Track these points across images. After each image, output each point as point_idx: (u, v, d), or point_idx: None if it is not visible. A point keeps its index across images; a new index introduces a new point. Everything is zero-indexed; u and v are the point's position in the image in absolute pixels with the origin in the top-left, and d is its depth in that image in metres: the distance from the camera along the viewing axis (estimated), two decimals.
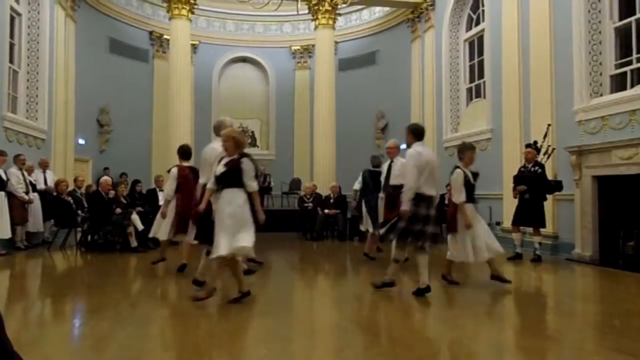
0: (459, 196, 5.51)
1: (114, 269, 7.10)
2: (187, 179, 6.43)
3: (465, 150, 5.69)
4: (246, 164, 4.56)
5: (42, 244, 9.43)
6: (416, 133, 5.30)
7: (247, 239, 4.44)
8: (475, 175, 5.85)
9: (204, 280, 5.12)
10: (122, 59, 14.49)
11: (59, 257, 8.31)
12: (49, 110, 11.11)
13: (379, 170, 7.72)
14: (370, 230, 7.82)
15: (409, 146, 5.27)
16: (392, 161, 7.15)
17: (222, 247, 4.41)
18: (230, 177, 4.55)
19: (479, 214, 5.84)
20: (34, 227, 9.30)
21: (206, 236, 4.85)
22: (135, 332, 3.83)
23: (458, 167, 5.69)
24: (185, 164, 6.72)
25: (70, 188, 9.76)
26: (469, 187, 5.60)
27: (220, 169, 4.62)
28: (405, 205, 5.00)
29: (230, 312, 4.60)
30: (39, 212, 9.35)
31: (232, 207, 4.48)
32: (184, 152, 6.79)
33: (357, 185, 8.47)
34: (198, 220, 5.16)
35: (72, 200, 9.28)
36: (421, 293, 5.05)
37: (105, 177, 9.43)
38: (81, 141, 12.97)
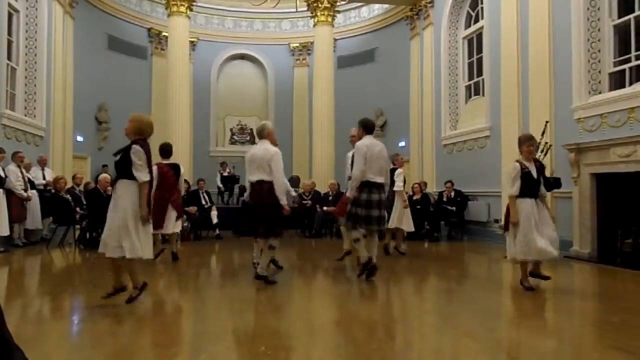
0: (509, 189, 5.29)
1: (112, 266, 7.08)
2: (166, 176, 6.93)
3: (521, 144, 5.40)
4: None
5: (40, 242, 9.42)
6: (366, 127, 6.06)
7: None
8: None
9: (265, 275, 5.61)
10: (121, 56, 14.47)
11: (57, 255, 8.30)
12: (47, 108, 11.10)
13: (396, 167, 8.01)
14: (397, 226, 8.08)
15: (359, 138, 5.94)
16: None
17: None
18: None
19: (538, 208, 5.35)
20: (32, 225, 9.30)
21: (269, 230, 5.50)
22: (135, 328, 3.84)
23: (517, 160, 5.40)
24: (165, 161, 7.20)
25: (69, 185, 9.76)
26: (529, 181, 5.26)
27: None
28: (350, 192, 5.74)
29: (229, 309, 4.61)
30: (37, 210, 9.35)
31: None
32: (164, 151, 7.30)
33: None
34: (259, 216, 5.52)
35: (70, 198, 9.27)
36: (365, 269, 5.67)
37: (103, 175, 9.42)
38: (79, 138, 12.95)
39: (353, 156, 7.14)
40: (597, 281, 6.58)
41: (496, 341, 3.71)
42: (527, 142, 5.36)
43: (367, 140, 5.87)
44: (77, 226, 9.26)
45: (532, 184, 5.26)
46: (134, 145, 4.34)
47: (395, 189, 7.90)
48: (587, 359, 3.28)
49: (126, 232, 4.25)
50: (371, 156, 5.75)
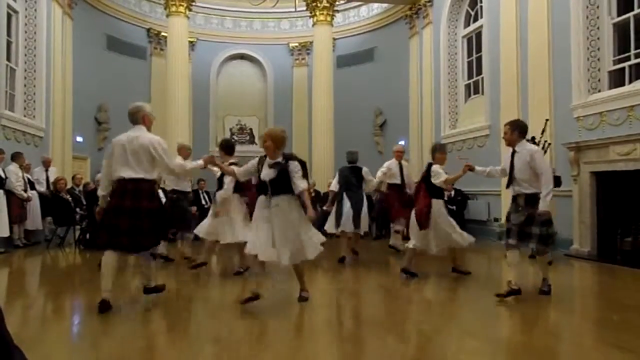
0: None
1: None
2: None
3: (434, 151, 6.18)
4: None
5: (41, 243, 9.42)
6: (227, 149, 6.30)
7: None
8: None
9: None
10: (120, 57, 14.46)
11: (57, 255, 8.31)
12: (47, 108, 11.09)
13: (359, 166, 7.65)
14: (350, 230, 7.55)
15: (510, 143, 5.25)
16: (401, 163, 7.97)
17: None
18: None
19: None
20: (32, 225, 9.30)
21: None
22: (135, 329, 3.84)
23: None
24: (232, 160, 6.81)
25: (69, 186, 9.76)
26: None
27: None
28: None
29: (229, 309, 4.60)
30: (37, 210, 9.34)
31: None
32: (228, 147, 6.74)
33: (335, 186, 7.83)
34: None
35: (70, 198, 9.28)
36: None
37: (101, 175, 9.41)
38: (79, 139, 12.95)
39: (401, 168, 7.95)
40: (597, 279, 6.59)
41: (497, 340, 3.71)
42: (440, 150, 6.12)
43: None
44: (77, 227, 9.26)
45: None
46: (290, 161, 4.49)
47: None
48: (587, 357, 3.28)
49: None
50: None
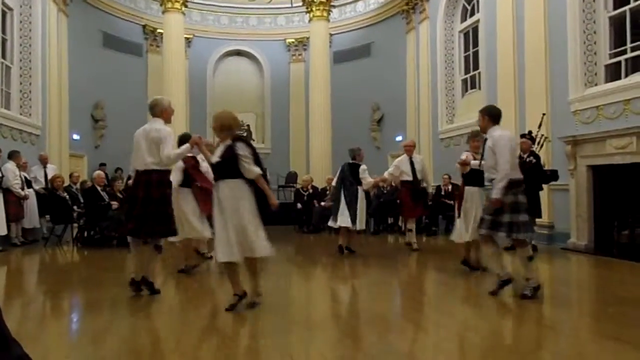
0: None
1: (110, 264, 7.09)
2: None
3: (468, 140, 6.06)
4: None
5: (38, 241, 9.41)
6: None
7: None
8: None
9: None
10: (116, 54, 14.41)
11: (55, 253, 8.30)
12: (43, 106, 11.06)
13: (357, 163, 7.77)
14: (346, 225, 7.57)
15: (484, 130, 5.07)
16: (411, 158, 7.84)
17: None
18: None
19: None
20: (29, 224, 9.28)
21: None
22: (133, 326, 3.84)
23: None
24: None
25: (66, 184, 9.74)
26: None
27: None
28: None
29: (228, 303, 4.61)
30: (34, 209, 9.33)
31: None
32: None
33: (335, 182, 8.06)
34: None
35: (67, 196, 9.26)
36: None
37: (98, 172, 9.40)
38: (76, 136, 12.91)
39: (412, 163, 7.81)
40: (594, 272, 6.62)
41: (495, 333, 3.73)
42: (472, 138, 5.91)
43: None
44: (75, 225, 9.25)
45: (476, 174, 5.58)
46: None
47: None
48: (584, 349, 3.30)
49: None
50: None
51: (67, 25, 12.34)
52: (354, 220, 7.47)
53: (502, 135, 4.65)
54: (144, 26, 15.18)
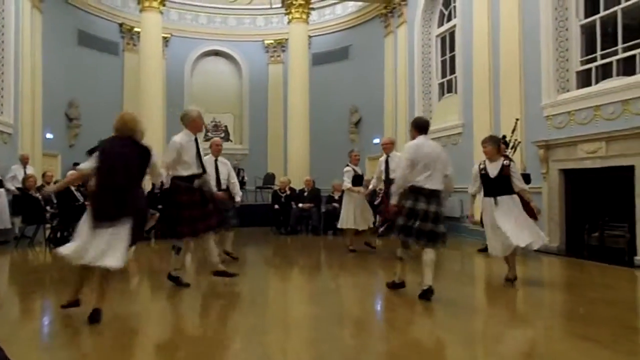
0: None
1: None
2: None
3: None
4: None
5: (10, 242, 9.18)
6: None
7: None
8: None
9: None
10: (92, 52, 14.17)
11: (27, 254, 8.12)
12: (15, 104, 10.79)
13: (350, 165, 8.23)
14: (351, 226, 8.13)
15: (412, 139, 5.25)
16: (388, 156, 7.60)
17: None
18: None
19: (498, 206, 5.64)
20: (1, 224, 9.06)
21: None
22: (107, 328, 3.79)
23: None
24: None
25: (39, 184, 9.55)
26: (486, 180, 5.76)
27: None
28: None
29: (205, 307, 4.60)
30: (6, 209, 9.11)
31: None
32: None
33: (347, 184, 8.25)
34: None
35: (40, 196, 9.06)
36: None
37: (71, 172, 9.22)
38: (49, 135, 12.65)
39: (387, 162, 7.66)
40: (566, 274, 6.78)
41: (470, 332, 3.80)
42: (482, 143, 5.73)
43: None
44: (48, 225, 9.06)
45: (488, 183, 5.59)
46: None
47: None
48: (556, 348, 3.39)
49: None
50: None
51: (42, 23, 12.08)
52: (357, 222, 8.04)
53: (406, 145, 5.02)
54: (120, 24, 14.97)
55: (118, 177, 3.90)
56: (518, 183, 5.48)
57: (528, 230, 5.39)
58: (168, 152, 4.94)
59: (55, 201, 9.17)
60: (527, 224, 5.47)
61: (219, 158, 7.16)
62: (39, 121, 11.93)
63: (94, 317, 3.75)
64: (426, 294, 4.60)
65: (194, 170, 4.99)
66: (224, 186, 6.88)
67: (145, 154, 4.09)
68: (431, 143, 4.96)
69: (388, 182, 7.53)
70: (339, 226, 8.47)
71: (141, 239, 3.97)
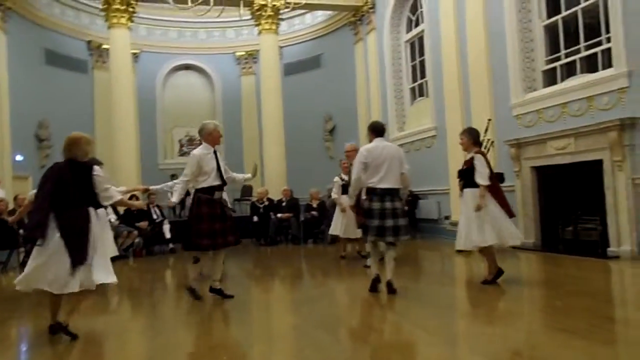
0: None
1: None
2: None
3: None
4: None
5: None
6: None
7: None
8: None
9: None
10: (60, 71, 13.96)
11: (0, 280, 7.92)
12: None
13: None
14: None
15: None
16: (351, 164, 7.15)
17: None
18: None
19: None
20: None
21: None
22: (86, 351, 3.73)
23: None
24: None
25: (10, 207, 9.33)
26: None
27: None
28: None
29: (187, 321, 4.55)
30: None
31: None
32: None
33: (335, 195, 8.19)
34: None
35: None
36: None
37: (31, 193, 9.04)
38: (19, 157, 12.39)
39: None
40: (542, 268, 6.92)
41: (451, 332, 3.84)
42: (460, 135, 5.82)
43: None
44: (22, 249, 8.85)
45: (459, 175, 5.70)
46: None
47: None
48: (535, 341, 3.46)
49: None
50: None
51: (7, 43, 11.89)
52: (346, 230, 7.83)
53: (360, 150, 5.36)
54: (88, 42, 14.80)
55: (44, 199, 3.95)
56: (478, 177, 5.36)
57: (491, 228, 5.30)
58: (189, 165, 5.13)
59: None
60: (497, 221, 5.37)
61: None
62: (8, 143, 11.70)
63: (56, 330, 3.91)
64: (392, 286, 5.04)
65: (214, 182, 5.14)
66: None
67: (81, 172, 4.02)
68: (385, 144, 5.28)
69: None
70: (330, 232, 8.35)
71: (82, 258, 3.86)
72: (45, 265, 3.82)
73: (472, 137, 5.63)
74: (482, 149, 8.07)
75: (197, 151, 5.24)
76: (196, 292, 5.25)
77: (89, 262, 3.87)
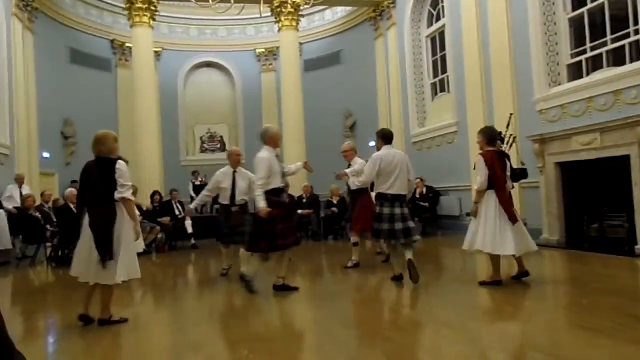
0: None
1: (86, 283, 6.96)
2: None
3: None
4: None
5: (11, 262, 9.17)
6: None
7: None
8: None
9: None
10: (84, 69, 14.22)
11: (29, 274, 8.11)
12: (11, 125, 10.84)
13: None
14: None
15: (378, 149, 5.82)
16: (349, 165, 7.16)
17: None
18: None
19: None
20: (1, 245, 9.04)
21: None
22: (112, 344, 3.80)
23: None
24: None
25: (38, 203, 9.56)
26: None
27: None
28: None
29: (207, 315, 4.60)
30: (6, 229, 9.09)
31: None
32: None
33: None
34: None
35: (40, 216, 9.08)
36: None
37: (70, 190, 9.23)
38: (46, 154, 12.67)
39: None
40: (567, 266, 6.80)
41: (473, 330, 3.80)
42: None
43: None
44: (49, 244, 9.06)
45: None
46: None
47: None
48: (558, 339, 3.40)
49: None
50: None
51: (34, 43, 12.15)
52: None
53: (373, 158, 5.61)
54: (112, 41, 15.04)
55: (79, 196, 4.41)
56: (477, 179, 5.27)
57: (491, 236, 5.12)
58: (262, 169, 5.13)
59: (55, 220, 9.18)
60: (491, 229, 5.16)
61: (239, 169, 6.67)
62: (35, 141, 11.97)
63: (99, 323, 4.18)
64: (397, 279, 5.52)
65: (279, 184, 5.28)
66: (240, 202, 6.52)
67: (107, 168, 4.14)
68: (396, 152, 5.70)
69: (349, 190, 7.39)
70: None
71: (108, 254, 4.03)
72: (78, 257, 4.21)
73: (486, 137, 5.43)
74: (503, 146, 7.97)
75: (264, 155, 5.27)
76: (251, 285, 5.20)
77: (114, 259, 4.06)
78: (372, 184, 7.00)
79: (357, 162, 6.98)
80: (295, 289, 5.40)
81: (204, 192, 6.77)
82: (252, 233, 5.25)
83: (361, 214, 6.84)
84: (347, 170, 6.46)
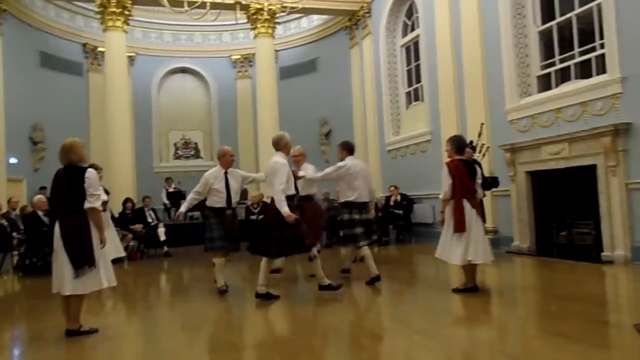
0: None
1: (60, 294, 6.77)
2: None
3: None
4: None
5: None
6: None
7: None
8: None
9: None
10: (55, 73, 13.92)
11: None
12: None
13: None
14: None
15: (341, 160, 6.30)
16: (299, 169, 6.78)
17: None
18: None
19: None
20: None
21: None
22: (81, 356, 3.71)
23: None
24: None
25: (4, 210, 9.29)
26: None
27: None
28: None
29: (180, 324, 4.54)
30: None
31: None
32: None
33: None
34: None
35: (6, 223, 8.82)
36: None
37: (39, 196, 9.01)
38: (13, 160, 12.32)
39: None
40: (537, 273, 6.93)
41: (447, 337, 3.84)
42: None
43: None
44: (15, 252, 8.80)
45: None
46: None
47: None
48: (530, 346, 3.47)
49: None
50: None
51: (1, 45, 11.83)
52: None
53: (338, 166, 6.10)
54: (84, 45, 14.78)
55: (50, 204, 4.38)
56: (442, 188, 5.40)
57: (464, 245, 5.16)
58: (280, 175, 5.18)
59: (22, 227, 8.93)
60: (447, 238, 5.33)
61: (229, 170, 6.23)
62: (2, 146, 11.64)
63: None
64: (375, 281, 5.79)
65: (293, 190, 5.36)
66: (234, 204, 6.20)
67: (76, 177, 4.08)
68: (358, 162, 6.19)
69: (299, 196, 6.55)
70: None
71: (85, 263, 3.98)
72: (55, 272, 4.17)
73: (454, 146, 5.53)
74: (475, 155, 8.12)
75: (283, 160, 5.35)
76: (331, 286, 5.47)
77: (95, 266, 4.05)
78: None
79: (307, 168, 6.74)
80: (277, 297, 5.40)
81: (192, 195, 6.14)
82: (266, 237, 5.33)
83: (312, 224, 6.22)
84: (301, 173, 6.28)
